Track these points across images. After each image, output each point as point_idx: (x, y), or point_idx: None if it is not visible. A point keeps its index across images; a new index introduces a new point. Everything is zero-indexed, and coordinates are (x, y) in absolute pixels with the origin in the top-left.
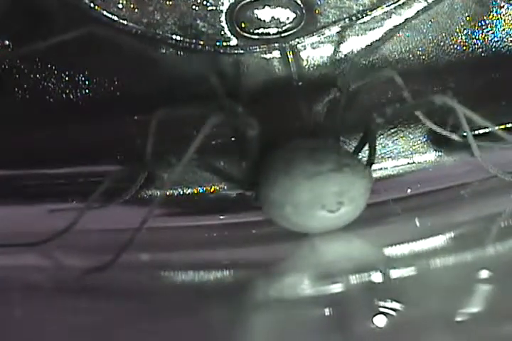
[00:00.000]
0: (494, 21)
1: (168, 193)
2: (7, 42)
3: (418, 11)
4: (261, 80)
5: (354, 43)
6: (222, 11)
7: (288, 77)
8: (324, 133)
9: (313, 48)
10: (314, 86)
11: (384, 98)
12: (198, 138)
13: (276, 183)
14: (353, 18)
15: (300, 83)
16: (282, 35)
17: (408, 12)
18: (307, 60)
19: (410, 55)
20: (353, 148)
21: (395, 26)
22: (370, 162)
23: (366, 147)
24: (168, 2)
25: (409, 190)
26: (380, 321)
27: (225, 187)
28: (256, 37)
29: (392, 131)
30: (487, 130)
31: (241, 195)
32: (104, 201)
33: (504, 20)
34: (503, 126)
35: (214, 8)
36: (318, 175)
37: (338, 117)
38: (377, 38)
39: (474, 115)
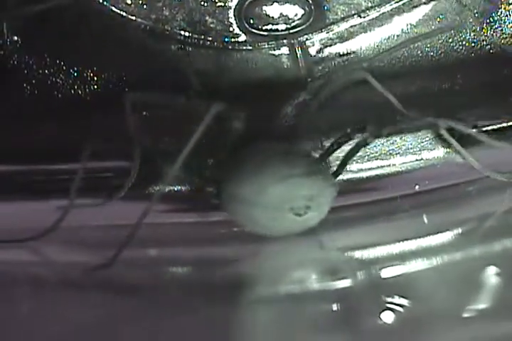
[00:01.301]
0: (503, 18)
1: (176, 189)
2: (16, 38)
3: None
4: (269, 76)
5: (363, 40)
6: (230, 7)
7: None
8: (297, 135)
9: (322, 45)
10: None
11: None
12: (200, 129)
13: (247, 182)
14: (362, 14)
15: (309, 79)
16: (291, 31)
17: (416, 8)
18: (315, 57)
19: (419, 52)
20: (321, 155)
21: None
22: (338, 173)
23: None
24: None
25: (417, 187)
26: (387, 317)
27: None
28: (264, 33)
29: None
30: (495, 127)
31: None
32: (105, 197)
33: None
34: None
35: (222, 4)
36: (291, 177)
37: (308, 121)
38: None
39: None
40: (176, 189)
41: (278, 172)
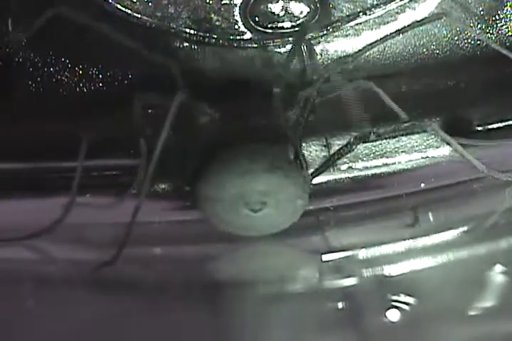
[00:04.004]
0: (508, 15)
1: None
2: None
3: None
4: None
5: (368, 37)
6: (236, 5)
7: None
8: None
9: (327, 42)
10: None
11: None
12: (168, 120)
13: (209, 179)
14: (367, 12)
15: (314, 77)
16: (296, 29)
17: (422, 6)
18: (321, 54)
19: (424, 49)
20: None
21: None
22: (318, 173)
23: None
24: None
25: (422, 185)
26: (392, 315)
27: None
28: (270, 31)
29: (406, 125)
30: (500, 125)
31: None
32: (112, 194)
33: None
34: None
35: (228, 1)
36: (248, 172)
37: (299, 124)
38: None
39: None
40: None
41: (238, 167)
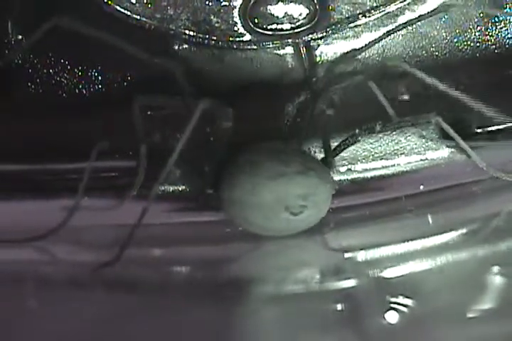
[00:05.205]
0: (507, 17)
1: (180, 189)
2: (20, 37)
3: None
4: (273, 76)
5: (367, 39)
6: (235, 7)
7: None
8: (295, 135)
9: (327, 44)
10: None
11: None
12: (189, 126)
13: (239, 183)
14: (366, 14)
15: (314, 79)
16: (295, 30)
17: (422, 8)
18: (320, 56)
19: (423, 52)
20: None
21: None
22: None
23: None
24: None
25: (422, 187)
26: (391, 317)
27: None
28: (269, 33)
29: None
30: (500, 127)
31: None
32: (111, 196)
33: None
34: None
35: (227, 3)
36: (283, 176)
37: (306, 121)
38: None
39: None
40: (180, 189)
41: (269, 170)
